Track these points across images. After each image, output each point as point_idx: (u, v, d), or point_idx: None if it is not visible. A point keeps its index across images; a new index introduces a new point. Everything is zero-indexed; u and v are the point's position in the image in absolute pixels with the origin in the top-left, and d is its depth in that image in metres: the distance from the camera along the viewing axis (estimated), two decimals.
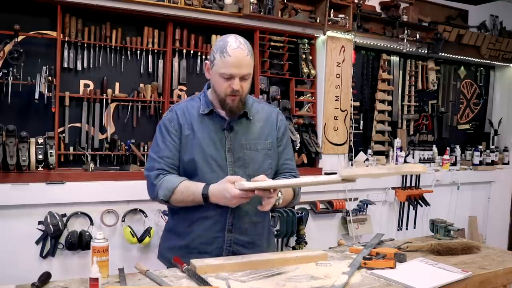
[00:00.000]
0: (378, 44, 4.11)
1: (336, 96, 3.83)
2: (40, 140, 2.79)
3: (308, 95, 3.80)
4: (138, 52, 3.21)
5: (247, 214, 1.88)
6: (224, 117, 1.89)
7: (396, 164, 4.18)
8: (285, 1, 3.61)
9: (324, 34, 3.71)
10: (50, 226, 2.71)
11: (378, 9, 4.16)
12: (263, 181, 1.68)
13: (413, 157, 4.48)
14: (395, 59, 4.41)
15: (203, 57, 3.38)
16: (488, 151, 4.89)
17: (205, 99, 1.91)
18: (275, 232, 3.41)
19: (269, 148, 1.94)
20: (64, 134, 2.97)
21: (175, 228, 1.97)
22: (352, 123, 3.97)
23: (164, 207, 3.07)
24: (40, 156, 2.77)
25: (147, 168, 1.90)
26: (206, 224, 1.88)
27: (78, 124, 3.05)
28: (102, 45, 3.07)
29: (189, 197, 1.80)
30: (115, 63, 3.15)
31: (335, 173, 1.45)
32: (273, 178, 1.92)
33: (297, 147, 3.61)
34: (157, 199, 1.86)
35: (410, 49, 4.21)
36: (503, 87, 5.21)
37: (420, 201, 4.26)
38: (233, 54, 1.76)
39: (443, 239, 2.31)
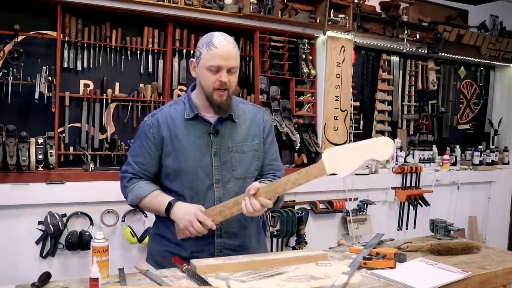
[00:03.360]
0: (378, 44, 4.11)
1: (336, 96, 3.83)
2: (40, 140, 2.79)
3: (308, 95, 3.80)
4: (138, 52, 3.21)
5: (236, 218, 1.84)
6: (209, 120, 1.86)
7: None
8: (285, 1, 3.61)
9: (324, 34, 3.71)
10: (50, 226, 2.71)
11: (378, 9, 4.16)
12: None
13: (413, 157, 4.48)
14: (395, 59, 4.41)
15: None
16: (488, 151, 4.89)
17: (190, 103, 1.87)
18: (275, 232, 3.41)
19: (256, 150, 1.91)
20: (64, 134, 2.97)
21: (165, 234, 1.93)
22: (352, 123, 3.97)
23: None
24: (40, 156, 2.77)
25: (122, 170, 1.93)
26: None
27: (78, 124, 3.05)
28: (102, 45, 3.07)
29: (155, 204, 1.84)
30: (115, 63, 3.15)
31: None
32: (256, 179, 1.90)
33: (297, 147, 3.61)
34: (127, 202, 1.90)
35: (410, 49, 4.21)
36: (503, 87, 5.21)
37: (420, 201, 4.26)
38: (219, 45, 1.76)
39: (443, 239, 2.31)
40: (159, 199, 1.83)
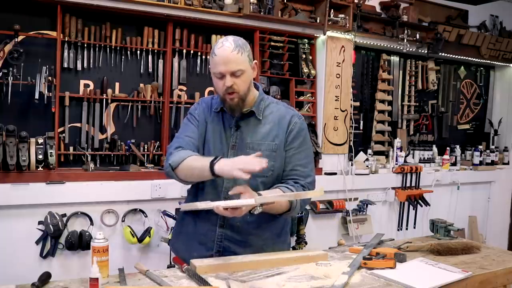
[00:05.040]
0: (378, 44, 4.11)
1: (336, 96, 3.83)
2: (40, 140, 2.79)
3: (308, 95, 3.80)
4: (138, 52, 3.21)
5: None
6: (234, 115, 1.94)
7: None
8: (285, 1, 3.60)
9: (324, 34, 3.71)
10: (50, 226, 2.71)
11: (378, 9, 4.16)
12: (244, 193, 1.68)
13: (413, 157, 4.48)
14: (395, 59, 4.41)
15: (203, 57, 3.38)
16: (488, 151, 4.89)
17: None
18: None
19: (274, 150, 1.92)
20: (64, 134, 2.97)
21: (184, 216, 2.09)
22: (352, 123, 3.97)
23: (164, 207, 3.08)
24: (40, 156, 2.77)
25: (170, 145, 1.99)
26: (204, 216, 1.94)
27: (78, 124, 3.04)
28: (102, 45, 3.07)
29: (198, 162, 1.81)
30: (115, 63, 3.15)
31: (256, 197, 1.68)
32: (280, 182, 1.93)
33: None
34: (167, 168, 1.89)
35: (410, 49, 4.21)
36: (503, 87, 5.21)
37: (420, 201, 4.26)
38: (218, 52, 1.83)
39: (443, 239, 2.31)
40: (204, 159, 1.81)
